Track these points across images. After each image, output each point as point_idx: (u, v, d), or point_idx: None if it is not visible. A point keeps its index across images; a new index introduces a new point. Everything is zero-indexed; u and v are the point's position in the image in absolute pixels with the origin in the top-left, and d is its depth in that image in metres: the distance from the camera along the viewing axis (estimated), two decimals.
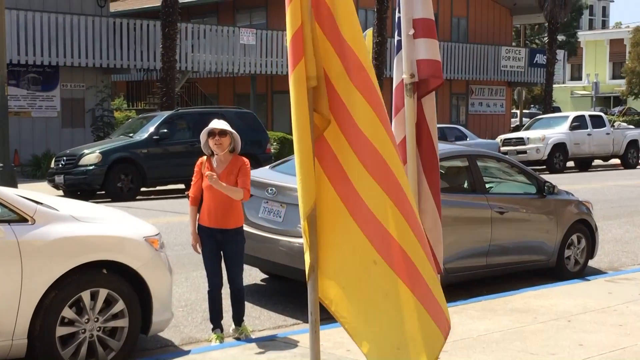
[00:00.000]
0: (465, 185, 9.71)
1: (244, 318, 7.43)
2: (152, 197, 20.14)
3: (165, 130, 19.81)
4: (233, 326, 7.38)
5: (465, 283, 9.46)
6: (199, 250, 7.09)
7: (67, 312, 6.10)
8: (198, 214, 7.13)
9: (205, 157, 7.14)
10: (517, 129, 38.96)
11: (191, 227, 7.13)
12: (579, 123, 30.05)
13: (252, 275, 9.97)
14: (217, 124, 7.03)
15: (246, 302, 7.71)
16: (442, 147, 9.67)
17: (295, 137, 4.05)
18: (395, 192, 3.97)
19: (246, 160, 7.18)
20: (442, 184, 9.43)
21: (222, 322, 7.33)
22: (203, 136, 7.01)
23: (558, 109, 53.79)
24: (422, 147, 4.67)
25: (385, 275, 4.02)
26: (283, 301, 8.97)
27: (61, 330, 6.08)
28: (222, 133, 6.99)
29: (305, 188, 4.05)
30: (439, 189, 4.79)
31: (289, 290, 9.49)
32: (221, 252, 7.16)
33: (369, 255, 4.07)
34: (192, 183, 7.16)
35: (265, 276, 10.09)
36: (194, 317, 8.21)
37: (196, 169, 7.14)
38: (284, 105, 35.57)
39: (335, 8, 4.03)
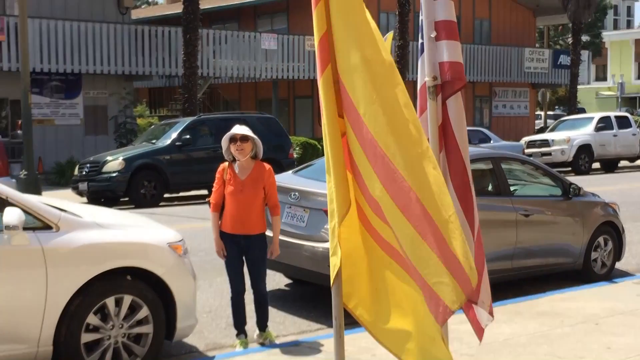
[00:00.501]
0: (490, 188, 9.67)
1: (268, 323, 7.43)
2: (175, 203, 20.23)
3: (188, 137, 19.91)
4: (257, 332, 7.38)
5: (491, 286, 9.38)
6: (225, 254, 7.10)
7: (92, 319, 6.13)
8: (220, 221, 7.13)
9: (227, 163, 7.15)
10: (541, 130, 38.75)
11: (214, 234, 7.13)
12: (604, 124, 29.84)
13: (275, 281, 9.97)
14: (239, 129, 7.05)
15: (270, 308, 7.72)
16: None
17: (326, 142, 4.05)
18: (401, 198, 3.86)
19: (270, 168, 7.19)
20: None
21: (246, 327, 7.33)
22: (224, 142, 7.03)
23: (583, 110, 53.43)
24: (448, 150, 4.65)
25: (401, 276, 4.07)
26: (307, 306, 8.97)
27: (86, 337, 6.11)
28: (244, 139, 7.00)
29: (339, 191, 4.04)
30: (469, 192, 4.70)
31: (312, 295, 9.49)
32: (244, 258, 7.17)
33: (385, 258, 4.13)
34: (213, 190, 7.16)
35: (289, 281, 10.10)
36: (218, 323, 8.23)
37: (218, 175, 7.15)
38: (306, 110, 35.63)
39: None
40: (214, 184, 7.14)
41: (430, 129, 4.63)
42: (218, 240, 7.10)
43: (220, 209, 7.12)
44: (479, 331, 4.91)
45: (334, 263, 4.17)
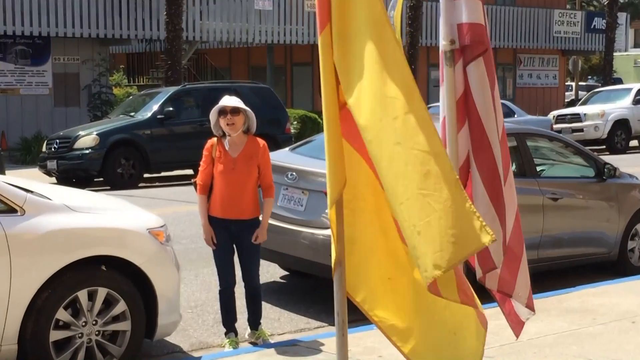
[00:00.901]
0: (514, 168, 9.65)
1: (261, 320, 7.45)
2: (157, 184, 20.25)
3: (171, 109, 19.90)
4: (249, 330, 7.40)
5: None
6: (215, 242, 7.09)
7: (62, 314, 6.14)
8: (208, 204, 7.13)
9: (215, 139, 7.13)
10: (572, 103, 38.72)
11: (202, 219, 7.12)
12: None
13: (270, 272, 9.99)
14: (229, 100, 7.03)
15: (264, 303, 7.73)
16: None
17: (324, 113, 4.06)
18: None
19: (265, 144, 7.18)
20: None
21: (237, 325, 7.36)
22: (213, 115, 7.02)
23: (619, 81, 53.30)
24: (470, 127, 4.62)
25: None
26: (306, 301, 8.99)
27: (55, 335, 6.12)
28: (235, 111, 6.99)
29: (332, 170, 4.06)
30: (495, 171, 4.64)
31: (312, 289, 9.51)
32: (234, 247, 7.17)
33: (400, 244, 4.15)
34: (200, 169, 7.14)
35: (285, 273, 10.12)
36: (205, 320, 8.25)
37: (205, 152, 7.13)
38: (305, 79, 35.57)
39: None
40: (201, 163, 7.14)
41: (446, 102, 4.61)
42: (207, 226, 7.10)
43: (208, 191, 7.12)
44: (516, 326, 4.98)
45: (335, 251, 4.21)
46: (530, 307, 5.00)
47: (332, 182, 4.04)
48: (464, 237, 3.51)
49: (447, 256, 3.49)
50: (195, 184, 7.20)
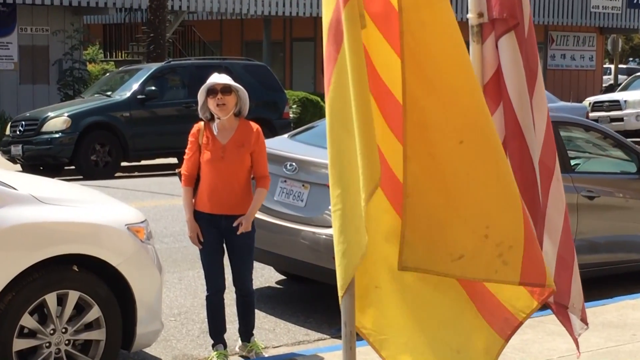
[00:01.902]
0: None
1: (254, 331, 7.45)
2: (136, 174, 20.27)
3: (153, 88, 19.92)
4: (240, 342, 7.40)
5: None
6: (202, 240, 7.08)
7: (28, 320, 6.14)
8: (194, 197, 7.12)
9: (202, 123, 7.12)
10: (610, 88, 38.67)
11: (187, 214, 7.12)
12: None
13: (264, 276, 9.99)
14: (219, 78, 7.02)
15: (257, 311, 7.73)
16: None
17: (354, 93, 4.09)
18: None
19: (259, 128, 7.17)
20: None
21: (226, 336, 7.35)
22: (201, 95, 7.00)
23: None
24: (505, 109, 4.62)
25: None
26: (305, 310, 9.00)
27: (20, 344, 6.12)
28: (226, 90, 6.97)
29: (368, 158, 4.05)
30: (528, 162, 4.66)
31: (312, 296, 9.52)
32: (224, 246, 7.17)
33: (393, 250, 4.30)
34: (185, 157, 7.14)
35: (282, 277, 10.13)
36: (190, 329, 8.26)
37: (191, 138, 7.11)
38: (306, 56, 35.53)
39: None
40: (187, 150, 7.13)
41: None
42: (192, 223, 7.08)
43: (194, 183, 7.11)
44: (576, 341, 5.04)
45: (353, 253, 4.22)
46: (584, 320, 5.04)
47: (368, 171, 4.04)
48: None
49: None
50: (179, 175, 7.19)
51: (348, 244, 4.20)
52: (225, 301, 7.31)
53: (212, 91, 6.98)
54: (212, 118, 7.09)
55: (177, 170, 7.38)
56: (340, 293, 4.23)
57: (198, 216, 7.09)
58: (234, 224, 7.02)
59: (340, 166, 4.18)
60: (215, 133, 7.06)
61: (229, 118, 7.04)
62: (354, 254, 4.15)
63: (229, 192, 7.02)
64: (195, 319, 8.50)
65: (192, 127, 7.18)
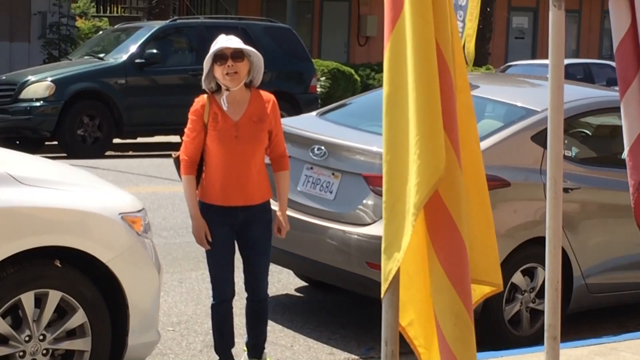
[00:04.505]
0: (624, 155, 9.57)
1: (266, 345, 7.44)
2: (130, 153, 20.29)
3: (155, 51, 19.90)
4: (246, 357, 7.39)
5: (616, 309, 9.39)
6: (210, 239, 7.05)
7: None
8: (197, 187, 7.07)
9: (206, 97, 7.05)
10: None
11: (191, 208, 7.03)
12: None
13: (281, 282, 9.99)
14: (228, 41, 6.93)
15: (271, 323, 7.76)
16: (586, 95, 9.62)
17: (414, 68, 4.16)
18: None
19: (274, 99, 7.14)
20: (586, 152, 9.47)
21: (234, 350, 7.34)
22: (207, 63, 6.93)
23: None
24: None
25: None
26: (330, 324, 8.99)
27: None
28: (237, 55, 6.90)
29: (431, 151, 4.19)
30: None
31: (339, 307, 9.52)
32: (235, 245, 7.16)
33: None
34: (185, 139, 7.02)
35: (303, 283, 10.13)
36: (191, 342, 8.27)
37: (192, 116, 6.99)
38: (339, 19, 35.48)
39: None
40: (187, 131, 7.01)
41: (552, 56, 4.60)
42: (199, 219, 7.00)
43: (196, 169, 7.05)
44: None
45: (395, 259, 4.30)
46: None
47: (431, 162, 4.16)
48: None
49: None
50: (177, 161, 7.10)
51: (387, 243, 4.35)
52: (232, 310, 7.29)
53: (221, 57, 6.88)
54: (218, 90, 7.05)
55: (174, 155, 7.20)
56: (383, 289, 4.36)
57: (206, 210, 7.03)
58: (275, 232, 7.08)
59: (394, 154, 4.26)
60: (225, 108, 7.00)
61: (239, 89, 7.00)
62: (394, 254, 4.32)
63: (246, 179, 6.98)
64: (197, 330, 8.51)
65: (193, 103, 7.06)
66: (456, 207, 4.38)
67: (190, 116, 7.02)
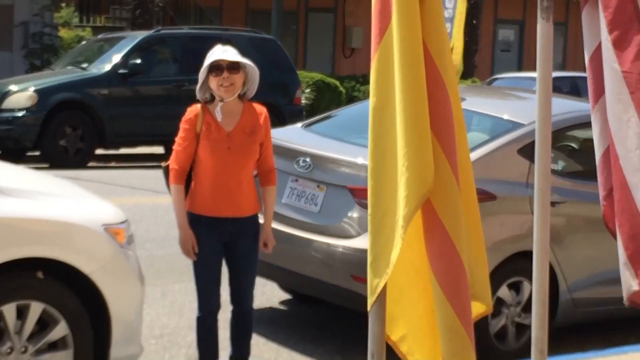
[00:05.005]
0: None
1: (250, 358, 7.43)
2: (113, 164, 20.26)
3: (138, 62, 19.92)
4: None
5: (602, 324, 9.40)
6: (197, 251, 7.03)
7: None
8: (187, 198, 7.06)
9: (199, 107, 7.06)
10: None
11: (179, 218, 7.02)
12: None
13: (265, 295, 9.98)
14: (224, 52, 6.97)
15: (255, 335, 7.74)
16: (572, 108, 9.62)
17: (402, 79, 4.18)
18: None
19: (266, 112, 7.16)
20: (573, 165, 9.49)
21: None
22: (202, 73, 6.95)
23: None
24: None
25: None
26: (314, 336, 9.00)
27: None
28: (233, 67, 6.94)
29: (421, 161, 4.21)
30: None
31: (323, 320, 9.53)
32: (222, 257, 7.15)
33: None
34: (176, 148, 7.01)
35: (287, 296, 10.13)
36: (174, 355, 8.28)
37: (185, 125, 6.99)
38: (324, 31, 35.52)
39: None
40: (178, 139, 7.01)
41: (540, 69, 4.60)
42: (186, 229, 6.99)
43: (185, 180, 7.05)
44: None
45: (383, 272, 4.32)
46: None
47: (420, 174, 4.18)
48: None
49: None
50: (166, 170, 7.08)
51: (374, 256, 4.35)
52: (217, 323, 7.28)
53: (216, 68, 6.91)
54: (211, 100, 7.06)
55: (163, 165, 7.19)
56: (370, 302, 4.36)
57: (195, 221, 7.02)
58: (261, 248, 7.10)
59: (381, 166, 4.27)
60: (218, 119, 7.01)
61: (233, 100, 7.01)
62: (381, 267, 4.32)
63: (237, 190, 6.99)
64: (180, 343, 8.51)
65: (186, 112, 7.06)
66: (451, 219, 4.39)
67: (183, 125, 7.02)
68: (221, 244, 7.10)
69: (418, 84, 4.18)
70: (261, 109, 7.16)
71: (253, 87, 7.11)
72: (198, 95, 7.07)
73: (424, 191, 4.21)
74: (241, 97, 7.08)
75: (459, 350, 4.46)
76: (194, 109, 7.07)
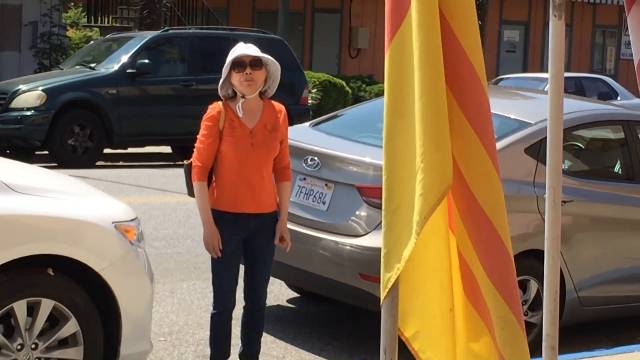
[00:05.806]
0: (618, 169, 9.60)
1: (260, 357, 7.43)
2: (121, 164, 20.23)
3: (146, 61, 19.86)
4: None
5: (610, 322, 9.40)
6: (220, 248, 7.00)
7: None
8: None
9: (221, 104, 7.06)
10: None
11: (204, 214, 6.99)
12: None
13: (273, 293, 9.95)
14: (248, 49, 6.97)
15: (264, 334, 7.71)
16: (579, 107, 9.56)
17: (421, 78, 4.17)
18: None
19: (284, 110, 7.22)
20: (579, 165, 9.47)
21: None
22: (225, 69, 6.95)
23: None
24: None
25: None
26: (322, 335, 9.00)
27: None
28: (255, 64, 6.94)
29: (438, 160, 4.19)
30: None
31: (330, 319, 9.53)
32: (242, 254, 7.19)
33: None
34: (199, 145, 7.00)
35: (295, 295, 10.14)
36: (182, 352, 8.27)
37: (208, 122, 6.99)
38: (330, 30, 35.50)
39: None
40: (200, 137, 7.00)
41: (552, 68, 4.60)
42: (212, 226, 6.96)
43: (208, 176, 7.05)
44: None
45: (394, 268, 4.30)
46: None
47: (437, 177, 4.16)
48: None
49: None
50: (188, 167, 7.10)
51: (387, 250, 4.34)
52: (232, 320, 7.29)
53: (239, 64, 6.91)
54: (233, 97, 7.06)
55: (185, 162, 7.16)
56: (382, 296, 4.33)
57: (218, 218, 7.00)
58: (276, 242, 7.10)
59: (393, 162, 4.25)
60: (240, 115, 7.02)
61: (254, 97, 7.03)
62: (392, 262, 4.31)
63: (259, 186, 7.01)
64: (189, 340, 8.51)
65: (207, 109, 7.06)
66: (495, 211, 4.48)
67: (206, 122, 7.03)
68: (241, 241, 7.11)
69: (437, 82, 4.12)
70: (280, 107, 7.18)
71: (274, 85, 7.13)
72: (220, 92, 7.08)
73: (442, 190, 4.19)
74: (261, 94, 7.10)
75: (511, 340, 4.50)
76: (215, 106, 7.06)
